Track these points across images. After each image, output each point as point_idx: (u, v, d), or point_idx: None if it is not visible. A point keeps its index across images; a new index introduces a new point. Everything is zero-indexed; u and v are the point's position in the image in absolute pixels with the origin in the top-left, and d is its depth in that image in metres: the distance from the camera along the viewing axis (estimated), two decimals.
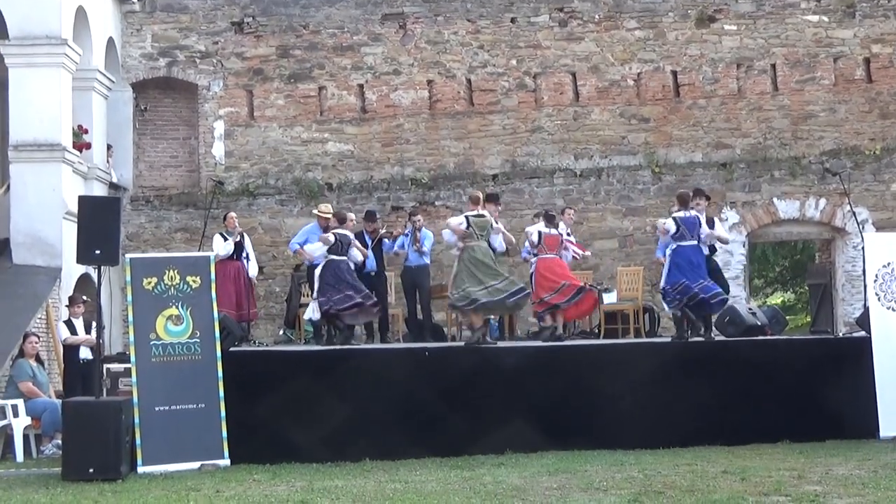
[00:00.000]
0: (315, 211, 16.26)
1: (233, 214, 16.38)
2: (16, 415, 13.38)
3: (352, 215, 15.23)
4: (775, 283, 32.02)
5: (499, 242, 14.45)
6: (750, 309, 15.53)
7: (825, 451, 12.00)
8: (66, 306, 15.34)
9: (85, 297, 15.47)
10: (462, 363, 12.89)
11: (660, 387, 12.77)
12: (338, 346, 13.79)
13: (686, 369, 12.99)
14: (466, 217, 13.68)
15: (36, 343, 14.33)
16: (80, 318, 14.92)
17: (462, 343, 14.00)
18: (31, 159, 16.45)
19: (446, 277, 17.61)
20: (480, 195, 14.26)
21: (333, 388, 12.40)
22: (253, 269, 16.08)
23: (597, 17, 19.85)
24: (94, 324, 14.23)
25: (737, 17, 19.74)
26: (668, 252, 13.67)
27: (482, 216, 13.78)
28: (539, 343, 14.12)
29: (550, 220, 14.84)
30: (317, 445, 12.12)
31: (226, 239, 15.75)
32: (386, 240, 16.05)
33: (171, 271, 12.24)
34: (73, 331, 14.81)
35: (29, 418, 13.53)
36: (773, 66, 19.64)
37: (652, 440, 12.44)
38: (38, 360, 14.33)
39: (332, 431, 12.20)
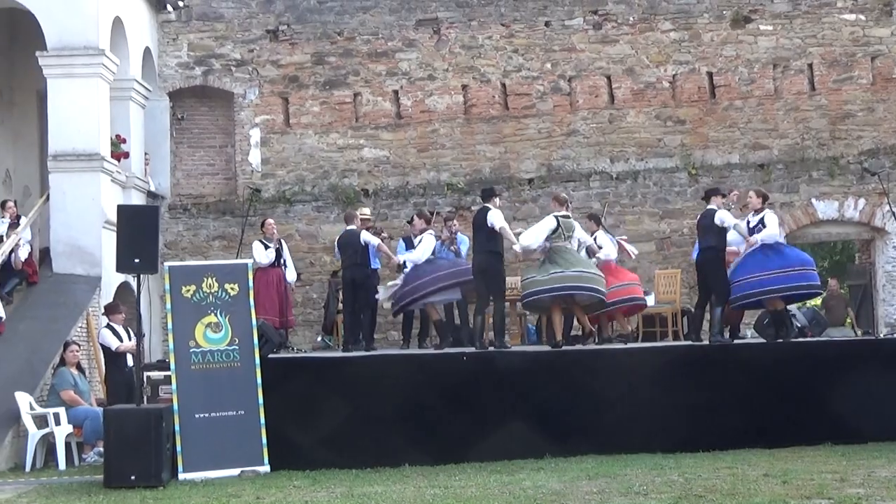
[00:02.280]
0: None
1: (270, 221, 16.43)
2: (58, 423, 13.49)
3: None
4: None
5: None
6: (789, 310, 15.42)
7: (867, 453, 11.91)
8: (103, 314, 15.39)
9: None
10: (500, 367, 12.87)
11: (699, 389, 12.72)
12: (377, 353, 13.85)
13: (725, 371, 12.93)
14: (556, 217, 13.65)
15: (77, 351, 14.43)
16: (121, 325, 14.99)
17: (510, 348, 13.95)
18: (69, 169, 16.59)
19: None
20: (566, 196, 14.32)
21: (373, 393, 12.43)
22: (291, 276, 16.12)
23: (631, 19, 19.79)
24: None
25: (772, 17, 19.62)
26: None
27: (568, 217, 13.80)
28: (576, 347, 14.09)
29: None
30: (357, 451, 12.14)
31: (266, 247, 15.80)
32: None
33: (210, 279, 12.33)
34: (119, 338, 14.85)
35: (71, 426, 13.62)
36: (810, 65, 19.51)
37: (692, 443, 12.39)
38: (80, 368, 14.44)
39: (371, 437, 12.23)
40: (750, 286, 13.37)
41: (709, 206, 13.77)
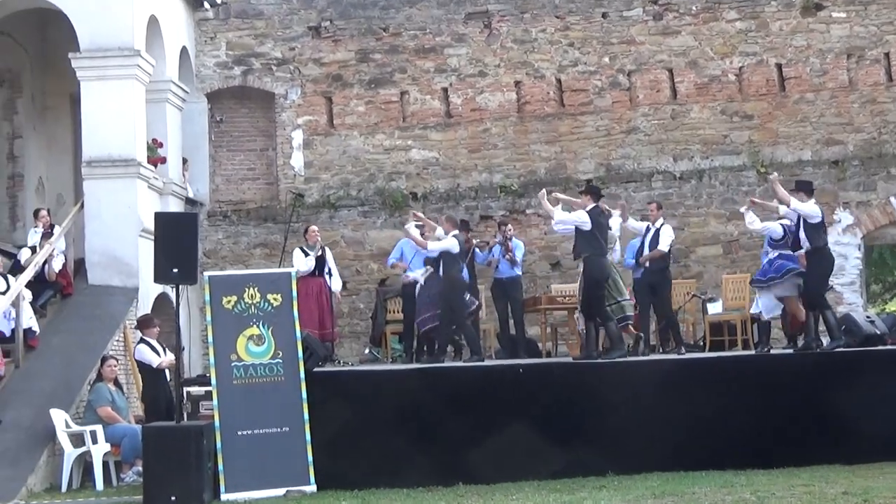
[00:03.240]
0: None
1: (314, 228, 16.48)
2: (95, 441, 13.58)
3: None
4: (894, 288, 31.43)
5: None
6: (868, 317, 15.27)
7: None
8: (135, 328, 15.45)
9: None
10: (559, 380, 12.82)
11: (773, 401, 12.57)
12: (427, 365, 13.84)
13: (798, 382, 12.78)
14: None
15: (114, 366, 14.51)
16: (155, 340, 14.96)
17: (569, 358, 13.95)
18: (105, 175, 16.72)
19: (539, 289, 17.60)
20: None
21: (423, 408, 12.40)
22: (336, 285, 16.16)
23: (694, 8, 19.66)
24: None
25: (846, 4, 19.39)
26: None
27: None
28: (639, 358, 14.01)
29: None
30: (407, 469, 12.12)
31: (307, 254, 15.85)
32: (478, 250, 16.04)
33: (252, 289, 12.36)
34: (155, 353, 14.91)
35: (108, 445, 13.70)
36: (887, 54, 19.25)
37: (764, 459, 12.25)
38: (117, 384, 14.53)
39: (422, 454, 12.20)
40: None
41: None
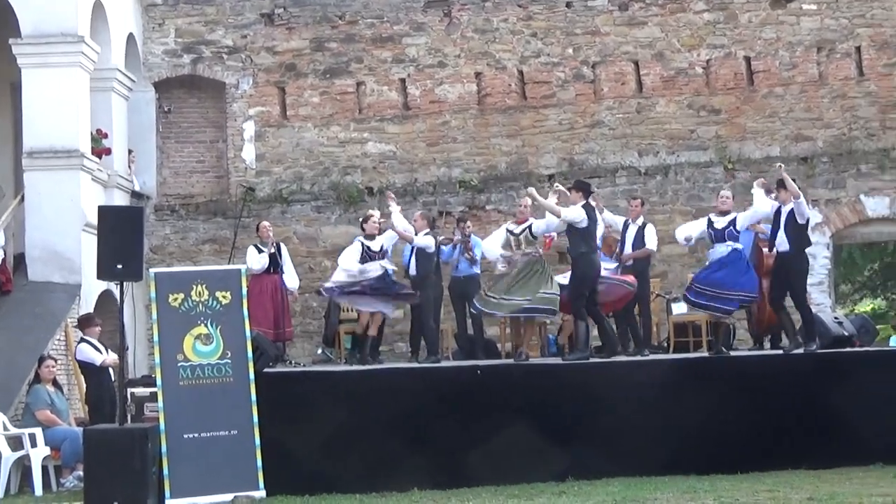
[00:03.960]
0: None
1: (266, 223, 16.48)
2: (34, 445, 13.49)
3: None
4: (864, 288, 31.72)
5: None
6: (836, 318, 15.40)
7: None
8: (75, 326, 15.37)
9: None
10: (518, 381, 12.87)
11: (734, 404, 12.68)
12: (383, 366, 13.88)
13: (763, 384, 12.89)
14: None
15: (53, 367, 14.38)
16: (97, 339, 14.87)
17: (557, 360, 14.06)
18: (46, 167, 16.64)
19: None
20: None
21: (377, 411, 12.42)
22: (292, 282, 16.15)
23: None
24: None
25: None
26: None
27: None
28: (605, 359, 14.09)
29: None
30: (359, 474, 12.15)
31: (260, 251, 15.83)
32: (443, 247, 16.03)
33: (199, 286, 12.32)
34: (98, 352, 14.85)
35: (48, 448, 13.62)
36: (858, 48, 19.44)
37: (728, 464, 12.35)
38: (56, 385, 14.42)
39: (375, 459, 12.23)
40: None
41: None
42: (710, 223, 13.79)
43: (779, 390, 12.83)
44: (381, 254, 14.97)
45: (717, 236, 13.67)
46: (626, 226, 15.33)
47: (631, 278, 14.53)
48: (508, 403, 12.60)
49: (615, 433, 12.50)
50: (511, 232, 13.97)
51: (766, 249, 14.23)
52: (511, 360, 13.67)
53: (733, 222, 13.62)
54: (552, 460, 12.36)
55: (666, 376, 13.01)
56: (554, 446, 12.38)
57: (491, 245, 14.44)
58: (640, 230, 15.25)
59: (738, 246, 13.56)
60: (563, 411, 12.58)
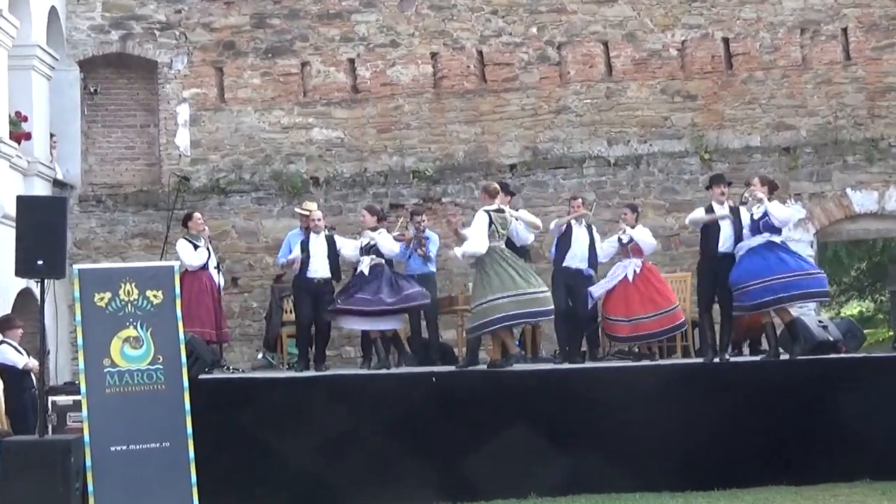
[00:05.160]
0: (297, 210, 16.42)
1: (198, 215, 16.39)
2: None
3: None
4: (850, 290, 31.97)
5: (522, 233, 14.70)
6: (820, 322, 15.52)
7: None
8: None
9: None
10: (476, 390, 12.90)
11: (709, 416, 12.75)
12: (329, 373, 13.88)
13: (739, 394, 12.97)
14: (488, 213, 13.78)
15: None
16: (17, 343, 14.75)
17: (483, 366, 14.04)
18: None
19: (456, 288, 17.67)
20: (497, 186, 14.42)
21: (324, 422, 12.42)
22: (220, 278, 16.19)
23: None
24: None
25: None
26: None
27: (502, 211, 13.98)
28: (566, 365, 14.15)
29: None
30: (304, 492, 12.14)
31: (196, 246, 15.77)
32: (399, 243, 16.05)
33: (128, 285, 12.26)
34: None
35: None
36: (845, 30, 19.56)
37: (704, 480, 12.43)
38: None
39: (322, 475, 12.22)
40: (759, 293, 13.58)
41: None
42: (752, 216, 13.86)
43: (758, 400, 12.92)
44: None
45: (752, 227, 13.82)
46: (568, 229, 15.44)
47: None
48: (466, 412, 12.62)
49: (582, 447, 12.54)
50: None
51: None
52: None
53: (768, 212, 13.73)
54: (512, 475, 12.40)
55: (635, 386, 13.06)
56: (515, 460, 12.42)
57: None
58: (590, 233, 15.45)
59: (776, 239, 13.68)
60: (525, 423, 12.61)
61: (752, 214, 13.89)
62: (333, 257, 15.38)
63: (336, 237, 15.72)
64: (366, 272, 15.03)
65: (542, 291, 13.71)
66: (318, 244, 15.37)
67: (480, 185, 15.29)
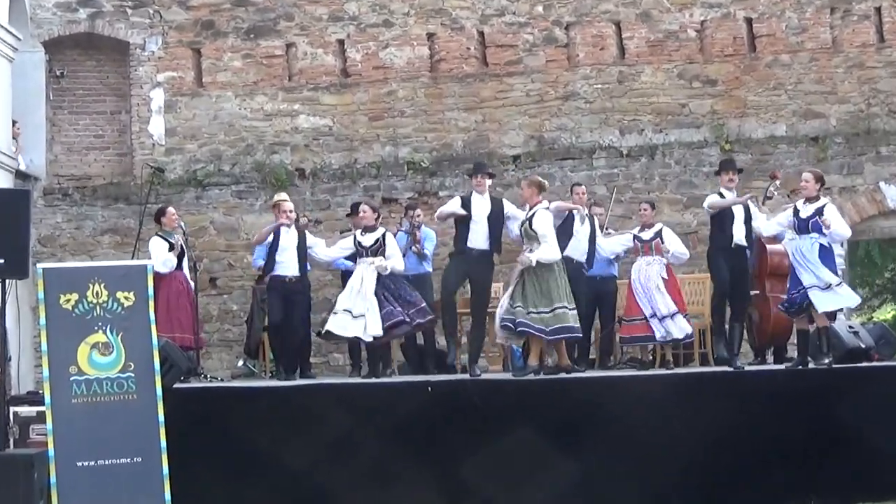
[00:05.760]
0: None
1: (172, 210, 16.37)
2: None
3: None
4: (884, 292, 31.98)
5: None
6: (851, 327, 15.49)
7: None
8: None
9: None
10: (477, 401, 12.93)
11: (728, 428, 12.75)
12: (313, 382, 13.91)
13: (763, 405, 12.97)
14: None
15: None
16: None
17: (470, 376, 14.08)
18: None
19: None
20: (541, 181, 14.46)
21: (307, 434, 12.45)
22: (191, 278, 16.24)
23: None
24: None
25: None
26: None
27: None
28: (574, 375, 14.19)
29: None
30: None
31: (171, 245, 15.78)
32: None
33: (97, 285, 12.26)
34: None
35: None
36: (878, 9, 19.59)
37: (721, 498, 12.46)
38: None
39: (304, 490, 12.26)
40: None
41: None
42: (796, 211, 13.86)
43: (781, 412, 12.91)
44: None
45: (801, 227, 13.74)
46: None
47: None
48: (465, 425, 12.66)
49: (578, 464, 12.57)
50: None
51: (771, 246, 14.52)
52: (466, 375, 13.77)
53: (820, 211, 13.67)
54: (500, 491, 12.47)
55: (645, 396, 13.07)
56: (505, 475, 12.47)
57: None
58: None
59: (824, 241, 13.68)
60: (514, 435, 12.66)
61: (798, 211, 13.84)
62: (304, 254, 15.34)
63: (308, 234, 15.67)
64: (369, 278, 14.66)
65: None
66: (289, 239, 15.36)
67: (526, 179, 14.92)
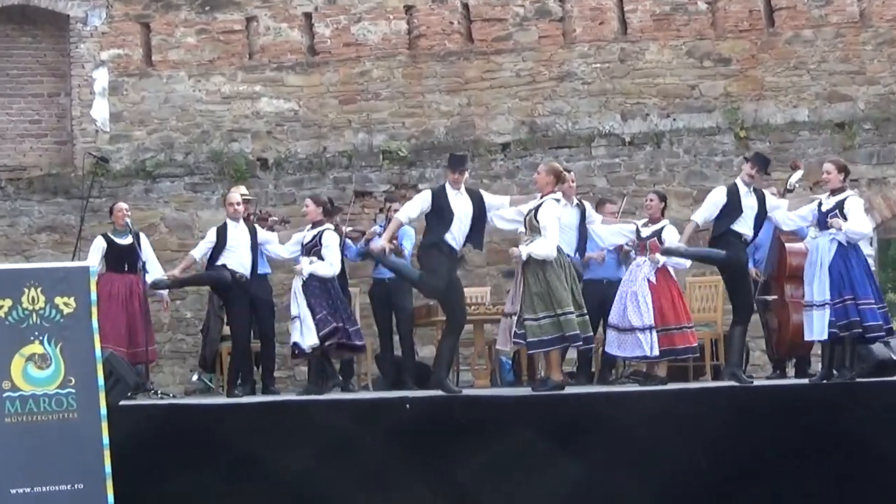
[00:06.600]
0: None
1: (122, 205, 16.40)
2: None
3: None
4: None
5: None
6: None
7: None
8: None
9: None
10: (459, 419, 12.98)
11: (745, 448, 12.82)
12: (278, 398, 13.96)
13: (781, 423, 13.04)
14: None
15: None
16: None
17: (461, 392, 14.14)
18: None
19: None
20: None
21: (271, 456, 12.49)
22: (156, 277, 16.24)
23: None
24: None
25: None
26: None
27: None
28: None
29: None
30: None
31: (112, 243, 15.79)
32: (350, 242, 16.10)
33: (34, 290, 12.28)
34: None
35: None
36: None
37: None
38: None
39: None
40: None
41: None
42: (820, 206, 13.89)
43: (801, 432, 12.97)
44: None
45: (821, 222, 13.75)
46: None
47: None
48: (444, 446, 12.73)
49: (588, 482, 12.65)
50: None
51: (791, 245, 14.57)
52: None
53: (841, 204, 13.65)
54: None
55: (647, 411, 13.14)
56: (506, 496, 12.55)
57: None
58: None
59: (842, 239, 13.70)
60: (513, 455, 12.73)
61: (819, 205, 13.89)
62: (257, 252, 15.42)
63: (259, 230, 15.74)
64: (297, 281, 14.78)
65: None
66: (238, 234, 15.41)
67: (545, 164, 14.62)
